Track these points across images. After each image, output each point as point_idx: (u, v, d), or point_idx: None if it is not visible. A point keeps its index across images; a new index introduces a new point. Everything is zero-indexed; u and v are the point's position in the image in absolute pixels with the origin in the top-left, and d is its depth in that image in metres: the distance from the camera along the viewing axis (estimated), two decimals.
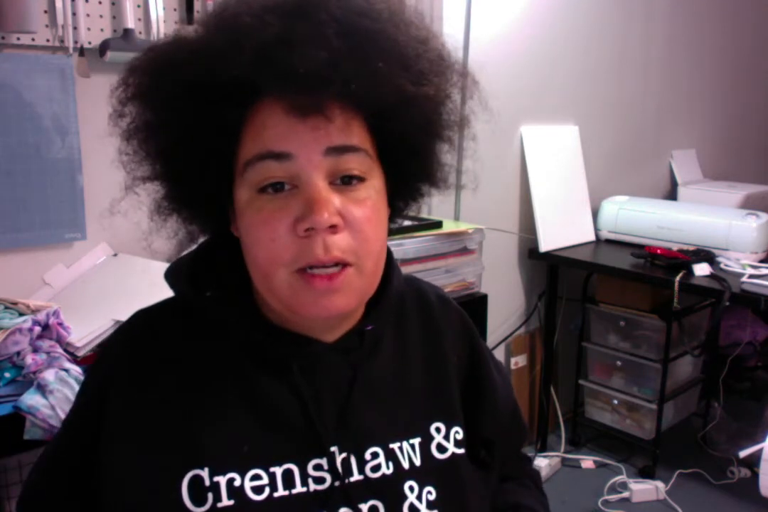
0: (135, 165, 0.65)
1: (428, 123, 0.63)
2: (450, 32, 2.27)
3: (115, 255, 1.74)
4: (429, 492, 0.66)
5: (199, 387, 0.64)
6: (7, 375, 1.34)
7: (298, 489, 0.62)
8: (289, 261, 0.59)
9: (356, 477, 0.64)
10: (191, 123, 0.59)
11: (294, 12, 0.56)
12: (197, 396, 0.64)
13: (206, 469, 0.61)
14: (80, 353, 1.41)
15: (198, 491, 0.60)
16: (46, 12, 1.53)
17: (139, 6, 1.66)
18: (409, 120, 0.60)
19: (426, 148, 0.66)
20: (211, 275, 0.69)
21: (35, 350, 1.37)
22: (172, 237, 0.70)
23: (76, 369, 1.34)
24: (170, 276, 0.70)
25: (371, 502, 0.64)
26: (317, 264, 0.58)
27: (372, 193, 0.61)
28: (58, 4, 1.53)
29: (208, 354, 0.66)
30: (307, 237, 0.57)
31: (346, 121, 0.58)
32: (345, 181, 0.59)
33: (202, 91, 0.57)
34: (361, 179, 0.60)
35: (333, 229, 0.57)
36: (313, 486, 0.63)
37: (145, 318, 0.70)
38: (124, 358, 0.67)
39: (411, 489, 0.65)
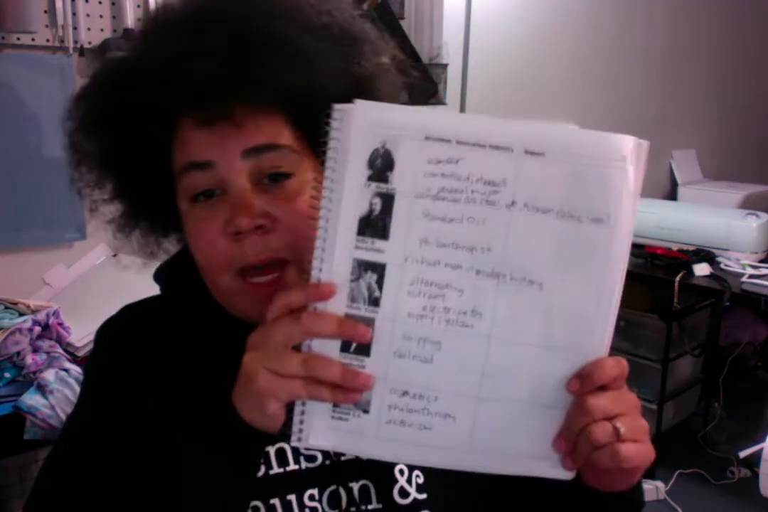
0: (89, 190, 0.68)
1: None
2: (450, 33, 2.27)
3: (115, 255, 1.74)
4: (417, 476, 0.67)
5: (187, 375, 0.65)
6: (7, 375, 1.34)
7: (292, 466, 0.65)
8: (226, 265, 0.60)
9: (348, 456, 0.66)
10: (126, 146, 0.63)
11: (190, 27, 0.59)
12: (186, 383, 0.65)
13: None
14: (80, 353, 1.41)
15: None
16: (46, 12, 1.53)
17: (139, 6, 1.66)
18: (321, 110, 0.62)
19: None
20: (192, 273, 0.70)
21: (35, 350, 1.37)
22: (138, 250, 0.72)
23: (76, 369, 1.34)
24: (155, 275, 0.73)
25: (362, 482, 0.66)
26: (253, 266, 0.59)
27: (304, 188, 0.61)
28: (58, 4, 1.53)
29: (193, 346, 0.67)
30: (237, 240, 0.59)
31: (257, 122, 0.59)
32: (272, 179, 0.60)
33: (126, 114, 0.61)
34: (288, 175, 0.61)
35: (261, 229, 0.58)
36: (305, 464, 0.65)
37: (130, 311, 0.73)
38: (121, 347, 0.69)
39: (401, 472, 0.67)
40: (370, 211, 0.48)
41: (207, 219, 0.60)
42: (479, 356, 0.49)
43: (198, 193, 0.61)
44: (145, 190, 0.66)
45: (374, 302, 0.48)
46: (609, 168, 0.48)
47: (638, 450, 0.50)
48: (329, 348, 0.48)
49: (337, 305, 0.48)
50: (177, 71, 0.57)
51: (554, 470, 0.51)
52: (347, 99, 0.62)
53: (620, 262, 0.49)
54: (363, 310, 0.48)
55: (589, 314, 0.49)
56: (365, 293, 0.48)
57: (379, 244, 0.48)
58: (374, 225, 0.48)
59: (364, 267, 0.48)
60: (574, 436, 0.50)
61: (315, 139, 0.62)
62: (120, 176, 0.66)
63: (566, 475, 0.51)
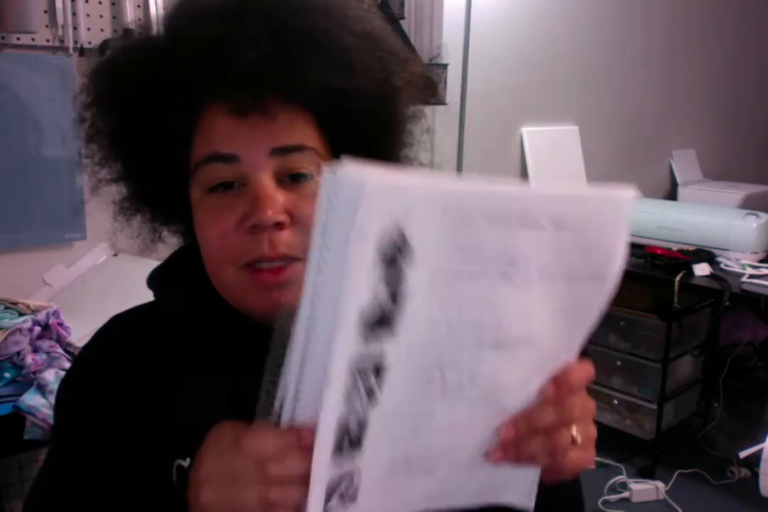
0: (97, 168, 0.67)
1: (375, 117, 0.64)
2: (450, 33, 2.27)
3: (115, 255, 1.74)
4: None
5: (176, 384, 0.65)
6: (7, 375, 1.34)
7: None
8: (236, 258, 0.59)
9: None
10: (145, 126, 0.61)
11: (228, 13, 0.58)
12: (175, 393, 0.64)
13: (188, 460, 0.61)
14: None
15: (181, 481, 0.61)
16: (46, 12, 1.53)
17: (139, 6, 1.66)
18: (352, 115, 0.61)
19: (377, 143, 0.66)
20: (188, 276, 0.69)
21: (35, 350, 1.37)
22: (135, 236, 0.71)
23: None
24: (149, 280, 0.71)
25: None
26: (264, 258, 0.59)
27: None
28: (58, 4, 1.53)
29: (184, 352, 0.66)
30: (253, 234, 0.58)
31: (289, 120, 0.59)
32: (294, 179, 0.60)
33: (151, 94, 0.60)
34: (309, 177, 0.60)
35: (279, 226, 0.58)
36: None
37: (118, 322, 0.71)
38: (97, 362, 0.68)
39: None
40: (375, 299, 0.40)
41: (222, 210, 0.59)
42: (470, 417, 0.48)
43: (217, 184, 0.60)
44: (154, 174, 0.64)
45: (370, 393, 0.43)
46: (616, 230, 0.47)
47: (582, 459, 0.52)
48: (322, 455, 0.43)
49: (331, 411, 0.42)
50: (217, 55, 0.56)
51: (518, 499, 0.53)
52: (376, 109, 0.63)
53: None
54: (359, 410, 0.43)
55: (567, 356, 0.50)
56: (363, 391, 0.42)
57: (381, 333, 0.41)
58: (377, 316, 0.40)
59: (362, 362, 0.41)
60: (527, 430, 0.50)
61: (337, 143, 0.63)
62: (131, 156, 0.65)
63: (527, 505, 0.53)
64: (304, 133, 0.60)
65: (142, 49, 0.62)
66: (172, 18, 0.62)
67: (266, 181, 0.58)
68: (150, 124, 0.61)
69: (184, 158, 0.62)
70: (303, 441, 0.43)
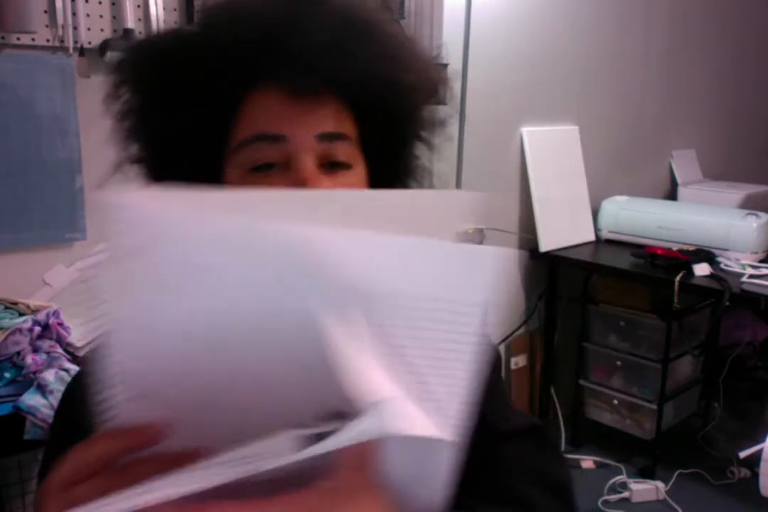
0: (127, 144, 0.66)
1: (408, 119, 0.66)
2: (450, 33, 2.27)
3: None
4: None
5: None
6: (7, 375, 1.34)
7: None
8: None
9: None
10: (191, 105, 0.61)
11: (294, 1, 0.60)
12: None
13: None
14: (80, 353, 1.41)
15: None
16: (46, 12, 1.53)
17: (139, 6, 1.65)
18: (391, 112, 0.64)
19: (403, 146, 0.68)
20: None
21: (35, 350, 1.37)
22: None
23: (76, 369, 1.34)
24: None
25: None
26: None
27: (357, 181, 0.63)
28: (58, 4, 1.53)
29: None
30: None
31: (337, 109, 0.61)
32: (332, 166, 0.62)
33: (205, 73, 0.60)
34: (347, 166, 0.62)
35: None
36: None
37: None
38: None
39: None
40: None
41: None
42: None
43: (260, 164, 0.60)
44: (193, 153, 0.64)
45: None
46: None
47: None
48: None
49: None
50: (287, 36, 0.58)
51: None
52: (403, 112, 0.65)
53: None
54: None
55: None
56: None
57: None
58: None
59: None
60: None
61: (365, 139, 0.65)
62: (171, 134, 0.63)
63: None
64: (348, 123, 0.62)
65: (196, 30, 0.62)
66: (233, 1, 0.63)
67: (311, 163, 0.60)
68: (198, 101, 0.61)
69: (224, 138, 0.62)
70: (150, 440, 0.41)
